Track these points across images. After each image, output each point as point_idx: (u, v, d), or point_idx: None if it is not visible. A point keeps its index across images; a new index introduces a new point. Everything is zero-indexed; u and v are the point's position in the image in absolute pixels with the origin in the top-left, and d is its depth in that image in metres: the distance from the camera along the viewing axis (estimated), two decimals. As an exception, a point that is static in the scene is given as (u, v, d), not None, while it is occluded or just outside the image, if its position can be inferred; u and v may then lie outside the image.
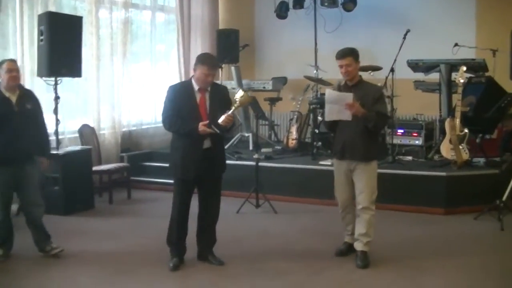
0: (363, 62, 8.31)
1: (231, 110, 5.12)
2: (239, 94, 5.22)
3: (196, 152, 5.15)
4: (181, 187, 5.30)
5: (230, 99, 5.38)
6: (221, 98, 5.29)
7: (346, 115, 5.19)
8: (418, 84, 9.10)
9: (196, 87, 5.20)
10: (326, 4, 10.21)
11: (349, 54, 5.34)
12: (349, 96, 5.16)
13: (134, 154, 9.18)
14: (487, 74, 8.36)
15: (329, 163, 5.89)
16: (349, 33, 9.95)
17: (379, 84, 6.63)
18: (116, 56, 8.96)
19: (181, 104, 5.19)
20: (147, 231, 6.56)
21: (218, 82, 6.23)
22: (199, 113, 5.14)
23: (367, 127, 5.26)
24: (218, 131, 5.10)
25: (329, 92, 5.43)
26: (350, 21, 10.32)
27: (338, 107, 5.21)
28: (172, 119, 5.20)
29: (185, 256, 5.44)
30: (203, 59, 5.21)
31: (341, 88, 5.53)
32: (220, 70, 9.50)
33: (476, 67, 8.16)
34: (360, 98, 5.20)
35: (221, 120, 5.03)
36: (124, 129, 9.26)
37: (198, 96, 5.19)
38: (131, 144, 9.38)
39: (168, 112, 5.22)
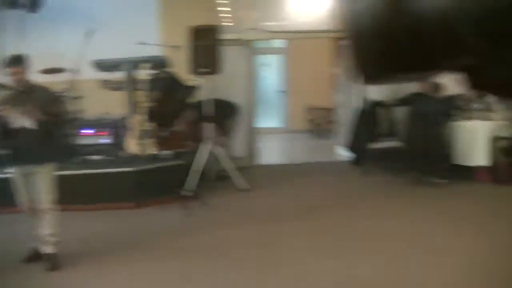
0: (49, 64, 8.33)
1: None
2: None
3: None
4: None
5: None
6: None
7: (30, 123, 5.22)
8: (105, 83, 9.22)
9: None
10: (4, 5, 9.83)
11: (18, 62, 5.34)
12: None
13: None
14: (171, 70, 8.80)
15: (13, 170, 5.75)
16: (36, 35, 9.75)
17: (63, 86, 6.64)
18: None
19: None
20: None
21: None
22: None
23: (43, 130, 5.29)
24: None
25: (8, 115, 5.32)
26: (36, 23, 10.06)
27: (20, 117, 5.21)
28: None
29: None
30: None
31: (14, 94, 5.44)
32: None
33: (158, 63, 8.53)
34: (33, 102, 5.23)
35: None
36: None
37: None
38: None
39: None
